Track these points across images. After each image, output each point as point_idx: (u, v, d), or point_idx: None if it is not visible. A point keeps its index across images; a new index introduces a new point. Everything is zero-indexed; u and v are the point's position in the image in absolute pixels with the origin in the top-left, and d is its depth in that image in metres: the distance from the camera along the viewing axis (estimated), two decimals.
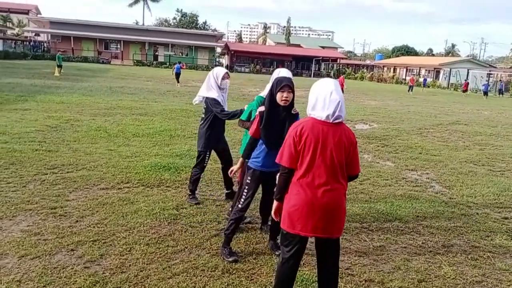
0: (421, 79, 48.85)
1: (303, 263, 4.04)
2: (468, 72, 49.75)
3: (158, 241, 4.29)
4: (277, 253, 4.22)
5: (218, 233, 4.57)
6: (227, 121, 5.50)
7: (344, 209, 3.02)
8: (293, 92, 3.78)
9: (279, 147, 3.15)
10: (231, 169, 4.21)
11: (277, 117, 3.81)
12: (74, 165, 6.73)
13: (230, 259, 4.00)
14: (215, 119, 5.31)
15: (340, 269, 3.94)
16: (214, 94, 5.31)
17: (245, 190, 4.12)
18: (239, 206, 4.12)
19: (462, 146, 10.96)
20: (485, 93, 36.44)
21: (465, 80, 43.34)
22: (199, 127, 5.50)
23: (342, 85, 24.89)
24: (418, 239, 4.85)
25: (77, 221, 4.67)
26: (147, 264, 3.84)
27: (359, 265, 4.12)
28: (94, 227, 4.53)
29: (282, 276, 3.11)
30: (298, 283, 3.68)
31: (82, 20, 57.08)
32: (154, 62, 54.16)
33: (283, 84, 3.70)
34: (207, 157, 5.49)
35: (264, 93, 4.51)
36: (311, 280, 3.73)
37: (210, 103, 5.26)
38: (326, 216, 2.89)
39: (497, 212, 5.98)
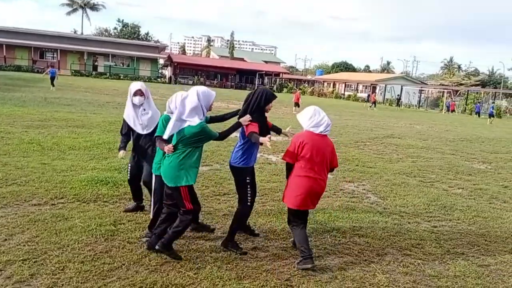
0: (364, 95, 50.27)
1: (243, 276, 4.07)
2: (401, 88, 52.51)
3: (94, 259, 4.14)
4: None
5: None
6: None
7: (323, 192, 4.63)
8: None
9: None
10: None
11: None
12: (4, 180, 6.36)
13: (240, 251, 4.55)
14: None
15: (279, 281, 4.04)
16: (124, 113, 5.37)
17: (249, 189, 4.61)
18: (248, 204, 4.62)
19: (396, 159, 11.52)
20: (478, 113, 37.00)
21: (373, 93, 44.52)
22: None
23: (298, 100, 25.42)
24: (354, 248, 5.03)
25: (5, 239, 4.41)
26: (81, 283, 3.69)
27: (298, 276, 4.19)
28: (24, 245, 4.30)
29: (302, 235, 4.46)
30: None
31: (16, 27, 54.34)
32: (94, 73, 52.57)
33: (273, 98, 4.64)
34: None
35: (202, 115, 4.37)
36: None
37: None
38: (316, 197, 4.53)
39: (427, 221, 6.32)
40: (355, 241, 5.27)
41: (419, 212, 6.72)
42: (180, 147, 4.16)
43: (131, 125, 5.29)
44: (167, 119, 4.50)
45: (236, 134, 4.81)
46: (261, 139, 4.24)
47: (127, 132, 5.43)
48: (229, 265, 4.28)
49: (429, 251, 5.14)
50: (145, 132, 5.27)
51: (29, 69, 48.87)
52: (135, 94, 5.24)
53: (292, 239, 4.95)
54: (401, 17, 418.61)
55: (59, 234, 4.63)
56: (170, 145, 4.18)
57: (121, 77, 52.21)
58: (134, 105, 5.26)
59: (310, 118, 4.45)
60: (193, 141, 4.14)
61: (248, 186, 4.61)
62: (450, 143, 15.99)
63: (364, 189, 7.89)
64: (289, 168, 4.51)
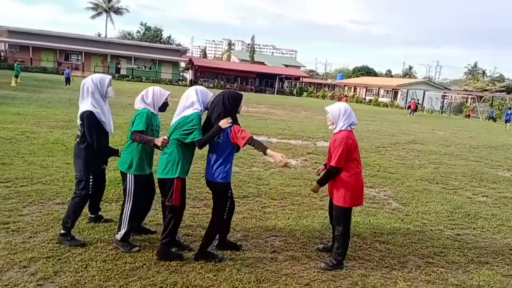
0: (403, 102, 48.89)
1: (263, 279, 4.06)
2: (424, 94, 51.74)
3: (116, 258, 4.20)
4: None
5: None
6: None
7: None
8: None
9: None
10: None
11: None
12: (29, 178, 6.50)
13: (217, 259, 4.35)
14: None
15: (299, 285, 4.02)
16: (92, 108, 4.40)
17: (228, 203, 4.37)
18: (225, 217, 4.38)
19: (418, 165, 11.35)
20: (507, 121, 34.83)
21: (413, 99, 43.35)
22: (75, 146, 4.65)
23: None
24: (375, 254, 4.97)
25: (30, 236, 4.50)
26: (103, 281, 3.74)
27: (318, 281, 4.16)
28: (48, 243, 4.38)
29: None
30: None
31: (42, 30, 55.63)
32: (116, 75, 53.32)
33: (242, 96, 4.39)
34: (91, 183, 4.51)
35: (200, 108, 4.28)
36: None
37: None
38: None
39: (450, 228, 6.21)
40: (376, 247, 5.20)
41: (442, 219, 6.60)
42: (172, 139, 4.23)
43: (106, 123, 4.62)
44: (149, 115, 4.46)
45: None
46: (269, 152, 3.95)
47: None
48: (248, 268, 4.28)
49: (452, 260, 5.04)
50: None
51: (54, 71, 49.89)
52: (109, 84, 4.58)
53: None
54: (423, 21, 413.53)
55: (82, 233, 4.71)
56: (165, 137, 4.26)
57: (143, 80, 52.85)
58: (103, 99, 4.56)
59: (349, 114, 4.67)
60: (182, 131, 4.14)
61: (229, 200, 4.37)
62: (474, 150, 15.67)
63: (386, 195, 7.79)
64: (336, 173, 4.49)
